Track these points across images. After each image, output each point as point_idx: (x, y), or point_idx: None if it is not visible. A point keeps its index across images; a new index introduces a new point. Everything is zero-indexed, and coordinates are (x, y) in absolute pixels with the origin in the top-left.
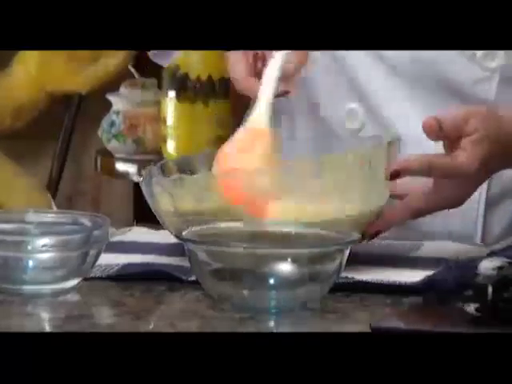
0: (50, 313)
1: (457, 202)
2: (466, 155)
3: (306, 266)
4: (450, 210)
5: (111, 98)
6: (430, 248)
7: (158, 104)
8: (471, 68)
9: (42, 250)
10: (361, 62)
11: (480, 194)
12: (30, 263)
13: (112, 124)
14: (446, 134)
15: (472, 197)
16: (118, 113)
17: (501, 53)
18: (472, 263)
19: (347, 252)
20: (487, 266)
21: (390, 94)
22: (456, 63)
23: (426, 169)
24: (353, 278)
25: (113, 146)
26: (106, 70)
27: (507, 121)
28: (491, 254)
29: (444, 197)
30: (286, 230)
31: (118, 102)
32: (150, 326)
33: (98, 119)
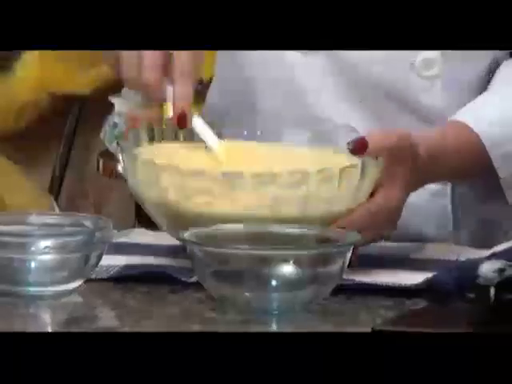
0: (52, 314)
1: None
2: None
3: (308, 268)
4: (424, 218)
5: (114, 99)
6: (430, 250)
7: (160, 105)
8: (412, 78)
9: (44, 251)
10: (309, 81)
11: (446, 203)
12: (33, 265)
13: (114, 126)
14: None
15: (442, 205)
16: (120, 114)
17: (439, 61)
18: (472, 265)
19: (349, 254)
20: (488, 268)
21: (337, 110)
22: (397, 74)
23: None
24: (353, 279)
25: (115, 147)
26: (108, 71)
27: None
28: (491, 256)
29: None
30: (287, 231)
31: (121, 103)
32: (152, 328)
33: (100, 121)
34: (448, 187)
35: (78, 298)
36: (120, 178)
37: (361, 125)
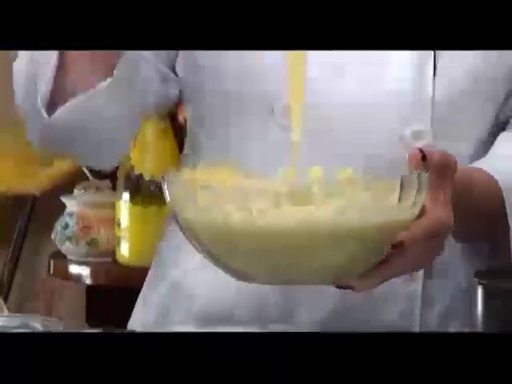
0: None
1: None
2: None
3: None
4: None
5: (65, 199)
6: None
7: (112, 206)
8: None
9: None
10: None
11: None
12: None
13: (66, 226)
14: (430, 166)
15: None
16: (71, 215)
17: (428, 133)
18: None
19: None
20: None
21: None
22: (385, 147)
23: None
24: None
25: (66, 248)
26: (59, 171)
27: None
28: None
29: None
30: None
31: (72, 203)
32: None
33: (51, 221)
34: (421, 273)
35: None
36: (71, 278)
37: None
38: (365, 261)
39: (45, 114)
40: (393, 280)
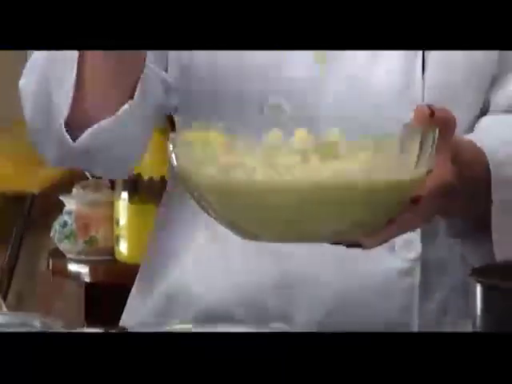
0: None
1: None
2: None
3: None
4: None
5: (64, 198)
6: None
7: (110, 205)
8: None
9: None
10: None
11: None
12: None
13: (64, 224)
14: (436, 122)
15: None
16: (70, 213)
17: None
18: None
19: None
20: None
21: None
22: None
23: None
24: None
25: (65, 246)
26: (58, 170)
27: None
28: None
29: None
30: None
31: (71, 202)
32: None
33: (50, 220)
34: (418, 267)
35: None
36: (70, 276)
37: None
38: (383, 217)
39: (69, 139)
40: (390, 275)
